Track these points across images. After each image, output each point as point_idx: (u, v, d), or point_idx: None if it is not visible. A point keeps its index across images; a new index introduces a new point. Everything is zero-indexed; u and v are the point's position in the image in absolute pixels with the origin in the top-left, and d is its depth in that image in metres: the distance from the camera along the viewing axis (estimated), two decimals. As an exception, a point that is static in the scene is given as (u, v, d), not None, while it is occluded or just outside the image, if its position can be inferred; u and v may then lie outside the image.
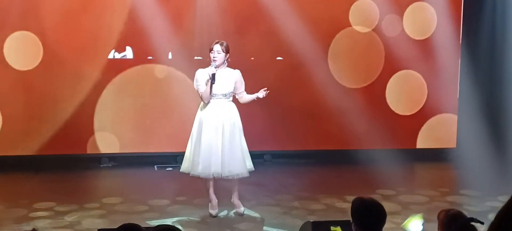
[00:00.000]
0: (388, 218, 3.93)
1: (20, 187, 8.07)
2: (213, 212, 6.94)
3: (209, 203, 6.98)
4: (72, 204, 7.26)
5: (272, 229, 6.73)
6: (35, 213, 7.04)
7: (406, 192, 7.94)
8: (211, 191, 6.93)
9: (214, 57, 6.69)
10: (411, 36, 9.27)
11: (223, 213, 7.05)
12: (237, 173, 6.79)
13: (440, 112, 9.49)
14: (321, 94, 9.00)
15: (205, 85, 6.68)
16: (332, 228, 4.78)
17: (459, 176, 8.89)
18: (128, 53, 8.73)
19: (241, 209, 6.99)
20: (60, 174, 8.47)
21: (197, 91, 6.79)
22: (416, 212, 7.04)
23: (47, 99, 8.59)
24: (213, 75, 6.63)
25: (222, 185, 7.13)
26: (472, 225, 3.69)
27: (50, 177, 8.41)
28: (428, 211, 6.61)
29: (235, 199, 7.00)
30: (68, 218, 6.90)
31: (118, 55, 8.69)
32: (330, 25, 9.09)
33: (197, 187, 7.17)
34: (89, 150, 8.78)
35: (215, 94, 6.71)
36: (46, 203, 7.30)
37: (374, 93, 9.32)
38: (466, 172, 8.63)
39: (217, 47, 6.71)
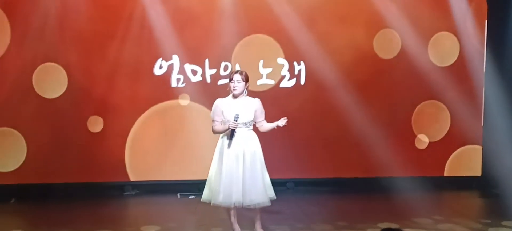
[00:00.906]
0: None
1: (50, 214, 7.78)
2: (237, 241, 6.65)
3: (233, 233, 6.70)
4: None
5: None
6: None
7: (444, 221, 7.40)
8: (234, 219, 6.65)
9: (234, 86, 6.49)
10: (436, 64, 8.94)
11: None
12: (258, 202, 6.48)
13: (465, 140, 9.11)
14: (345, 122, 8.72)
15: (220, 122, 6.46)
16: None
17: (493, 206, 8.28)
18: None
19: (264, 237, 6.69)
20: (88, 202, 8.21)
21: (212, 120, 6.56)
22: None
23: (70, 128, 8.46)
24: (232, 131, 6.39)
25: (244, 214, 6.78)
26: None
27: (80, 205, 8.09)
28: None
29: (258, 228, 6.69)
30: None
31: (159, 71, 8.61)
32: (354, 52, 8.81)
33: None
34: (112, 178, 8.61)
35: (236, 123, 6.47)
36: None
37: (398, 120, 8.99)
38: (498, 202, 8.17)
39: (237, 77, 6.51)
